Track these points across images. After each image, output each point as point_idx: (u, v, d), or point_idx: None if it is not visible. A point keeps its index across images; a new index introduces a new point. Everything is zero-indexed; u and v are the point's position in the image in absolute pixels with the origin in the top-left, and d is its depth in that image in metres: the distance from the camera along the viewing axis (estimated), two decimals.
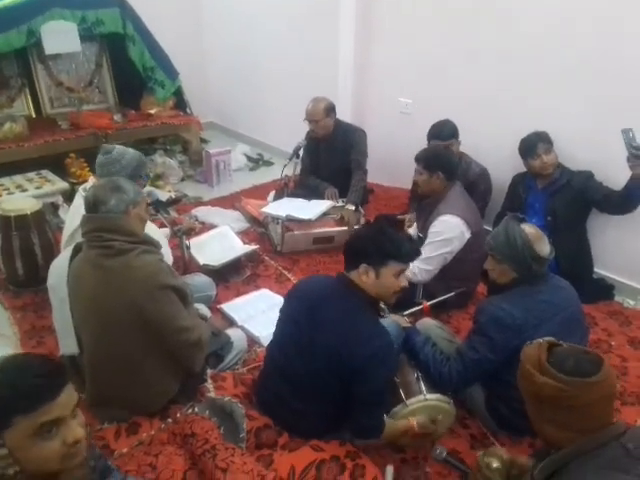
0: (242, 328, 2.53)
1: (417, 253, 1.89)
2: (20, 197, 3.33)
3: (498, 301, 1.87)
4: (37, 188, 3.57)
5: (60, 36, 3.86)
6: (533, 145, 2.86)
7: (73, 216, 2.32)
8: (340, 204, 3.45)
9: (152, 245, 1.91)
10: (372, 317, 1.78)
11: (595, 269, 3.02)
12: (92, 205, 1.83)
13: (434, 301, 2.48)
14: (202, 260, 2.95)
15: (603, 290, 2.96)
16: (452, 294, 2.54)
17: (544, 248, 1.85)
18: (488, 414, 2.01)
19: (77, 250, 1.96)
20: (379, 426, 1.75)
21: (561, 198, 2.85)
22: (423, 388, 1.92)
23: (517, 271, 1.87)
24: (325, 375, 1.72)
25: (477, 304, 2.43)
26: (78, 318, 1.94)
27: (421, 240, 2.65)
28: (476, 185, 3.13)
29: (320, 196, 3.54)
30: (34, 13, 3.70)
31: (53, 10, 3.78)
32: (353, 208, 3.38)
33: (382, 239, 1.74)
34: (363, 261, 1.73)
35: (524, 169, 3.02)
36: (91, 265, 1.82)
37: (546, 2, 2.94)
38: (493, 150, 3.32)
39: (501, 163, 3.26)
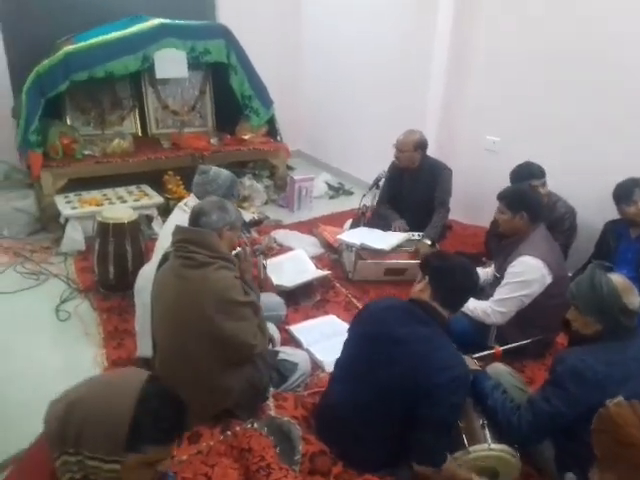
0: (307, 351, 2.55)
1: None
2: (119, 207, 3.62)
3: (579, 352, 1.76)
4: (135, 200, 3.87)
5: (170, 63, 4.20)
6: (629, 191, 2.71)
7: (169, 233, 2.38)
8: (416, 237, 3.42)
9: (231, 262, 2.01)
10: (452, 345, 1.77)
11: None
12: (196, 214, 2.01)
13: (508, 347, 2.37)
14: (276, 280, 3.03)
15: None
16: (528, 341, 2.41)
17: (634, 300, 1.71)
18: (557, 473, 1.86)
19: (165, 259, 2.11)
20: (441, 453, 1.69)
21: None
22: (488, 436, 1.83)
23: (602, 323, 1.75)
24: (394, 396, 1.70)
25: (555, 356, 2.30)
26: (156, 321, 2.07)
27: (498, 280, 2.55)
28: (561, 223, 3.02)
29: (389, 227, 3.55)
30: (150, 41, 4.06)
31: (167, 39, 4.14)
32: (429, 243, 3.34)
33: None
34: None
35: (615, 216, 2.84)
36: (174, 274, 1.96)
37: None
38: (583, 194, 3.17)
39: (592, 208, 3.10)
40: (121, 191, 4.04)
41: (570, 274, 2.78)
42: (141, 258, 3.10)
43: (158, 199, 3.96)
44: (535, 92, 3.47)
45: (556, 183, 3.14)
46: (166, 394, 1.13)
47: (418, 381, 1.65)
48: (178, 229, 2.01)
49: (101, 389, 1.12)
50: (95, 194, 3.94)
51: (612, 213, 2.87)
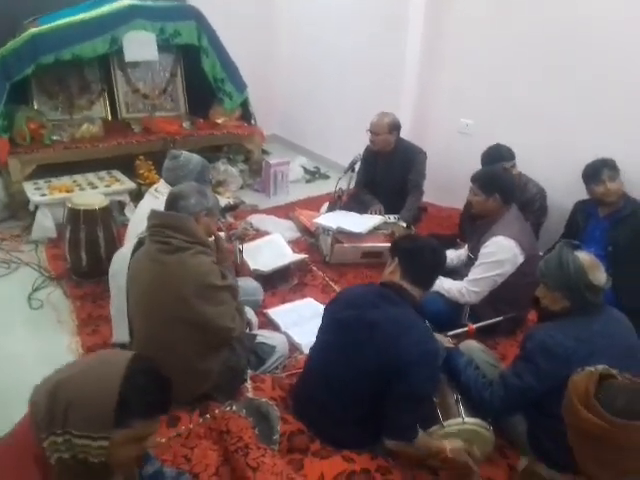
0: (285, 334, 2.56)
1: None
2: (90, 193, 3.55)
3: (548, 328, 1.81)
4: (107, 186, 3.80)
5: (140, 45, 4.09)
6: (598, 171, 2.77)
7: (141, 219, 2.36)
8: (392, 220, 3.44)
9: (208, 247, 2.00)
10: (422, 322, 1.82)
11: None
12: (174, 198, 1.99)
13: (480, 324, 2.42)
14: (253, 265, 3.03)
15: None
16: (500, 319, 2.47)
17: (599, 276, 1.76)
18: (529, 446, 1.93)
19: (140, 243, 2.10)
20: (412, 427, 1.73)
21: (624, 228, 2.73)
22: (462, 411, 1.88)
23: (570, 299, 1.80)
24: (368, 376, 1.73)
25: (526, 332, 2.37)
26: (132, 306, 2.05)
27: (472, 261, 2.60)
28: (531, 204, 3.09)
29: (365, 210, 3.57)
30: (118, 22, 3.95)
31: (136, 21, 4.02)
32: (405, 225, 3.37)
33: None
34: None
35: (585, 197, 2.92)
36: (150, 259, 1.94)
37: (615, 21, 2.86)
38: (554, 175, 3.23)
39: (562, 189, 3.17)
40: (92, 177, 3.95)
41: (541, 253, 2.85)
42: (114, 244, 3.05)
43: (130, 184, 3.89)
44: (506, 76, 3.51)
45: (527, 164, 3.20)
46: (152, 370, 1.15)
47: (391, 360, 1.68)
48: (154, 213, 1.98)
49: (87, 368, 1.13)
50: (65, 180, 3.86)
51: (582, 193, 2.94)
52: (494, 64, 3.59)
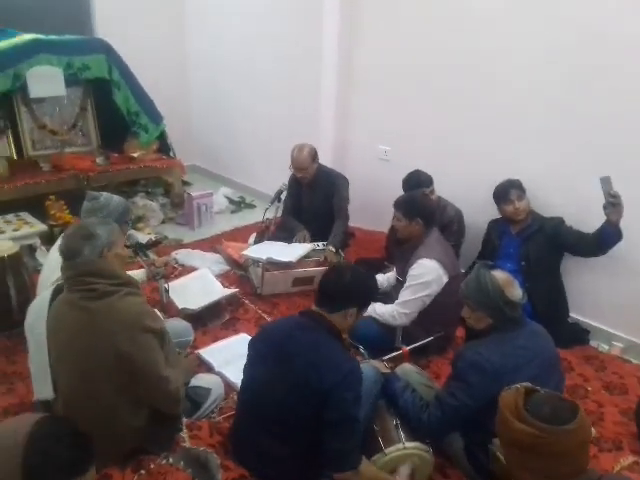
0: (219, 374, 2.49)
1: None
2: None
3: (475, 347, 1.89)
4: (15, 230, 3.55)
5: (45, 81, 3.91)
6: (506, 191, 2.98)
7: (55, 265, 2.17)
8: (320, 247, 3.48)
9: (135, 287, 1.90)
10: (339, 346, 1.83)
11: (570, 313, 3.07)
12: (67, 256, 1.82)
13: (413, 346, 2.48)
14: (180, 304, 2.93)
15: (578, 334, 3.01)
16: (431, 338, 2.54)
17: (515, 293, 1.88)
18: (467, 462, 1.99)
19: (58, 291, 1.95)
20: (353, 454, 1.72)
21: (534, 243, 2.94)
22: (402, 436, 1.91)
23: (492, 317, 1.90)
24: (298, 409, 1.72)
25: (456, 349, 2.46)
26: (55, 359, 1.89)
27: (400, 284, 2.68)
28: (450, 225, 3.25)
29: (292, 238, 3.59)
30: (21, 58, 3.75)
31: (40, 55, 3.84)
32: (334, 250, 3.42)
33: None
34: (355, 305, 1.86)
35: (498, 216, 3.11)
36: (73, 307, 1.80)
37: (517, 53, 3.09)
38: (469, 197, 3.42)
39: (476, 209, 3.35)
40: None
41: (463, 271, 3.00)
42: (26, 293, 2.83)
43: (41, 227, 3.65)
44: (419, 102, 3.69)
45: (443, 187, 3.36)
46: (60, 431, 1.06)
47: (314, 389, 1.69)
48: (65, 265, 1.84)
49: None
50: None
51: (494, 212, 3.14)
52: (402, 92, 3.77)
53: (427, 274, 2.55)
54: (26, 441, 1.00)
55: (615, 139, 2.78)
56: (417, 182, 3.21)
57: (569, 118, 2.93)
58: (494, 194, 3.05)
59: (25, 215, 3.79)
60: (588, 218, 2.79)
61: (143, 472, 1.85)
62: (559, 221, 2.93)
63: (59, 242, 2.43)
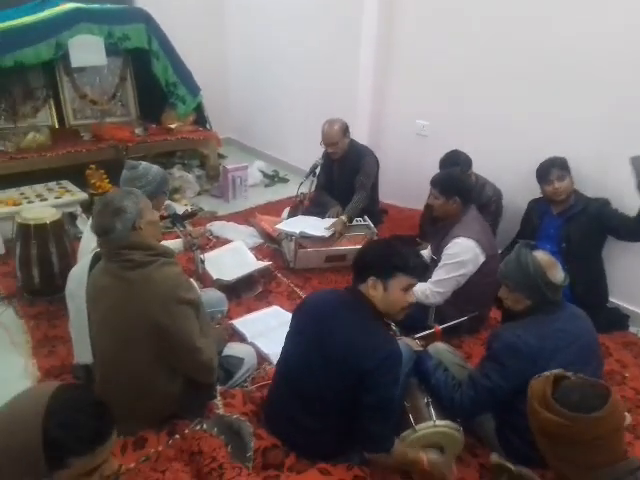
0: (252, 345, 2.52)
1: (425, 267, 1.89)
2: (40, 206, 3.39)
3: (513, 328, 1.85)
4: (57, 198, 3.64)
5: (87, 50, 3.95)
6: (546, 171, 2.87)
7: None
8: (354, 223, 3.46)
9: (171, 256, 1.92)
10: (380, 327, 1.80)
11: (610, 298, 2.98)
12: (100, 233, 1.84)
13: (446, 325, 2.45)
14: (215, 275, 2.97)
15: (617, 320, 2.92)
16: (465, 318, 2.51)
17: (557, 275, 1.82)
18: (498, 444, 1.97)
19: (97, 259, 1.98)
20: (389, 437, 1.74)
21: (576, 225, 2.84)
22: (433, 414, 1.90)
23: (531, 299, 1.86)
24: (334, 387, 1.72)
25: (490, 330, 2.42)
26: (95, 326, 1.95)
27: (434, 262, 2.64)
28: (488, 206, 3.16)
29: (325, 213, 3.57)
30: (63, 27, 3.79)
31: (81, 25, 3.87)
32: (345, 220, 3.38)
33: (390, 252, 1.79)
34: (372, 273, 1.76)
35: (539, 195, 3.01)
36: (112, 276, 1.83)
37: (565, 25, 2.96)
38: (510, 175, 3.32)
39: (517, 188, 3.26)
40: (40, 188, 3.77)
41: (499, 251, 2.93)
42: (67, 259, 2.92)
43: (81, 195, 3.74)
44: (460, 77, 3.58)
45: (482, 165, 3.27)
46: (76, 401, 1.07)
47: (352, 368, 1.68)
48: (101, 241, 1.86)
49: (6, 414, 1.04)
50: (12, 193, 3.66)
51: (537, 191, 3.02)
52: (446, 65, 3.65)
53: (463, 253, 2.50)
54: (45, 411, 1.00)
55: None
56: (455, 163, 3.12)
57: (620, 95, 2.78)
58: (536, 173, 2.94)
59: (66, 183, 3.88)
60: (637, 201, 2.66)
61: (177, 437, 1.91)
62: (604, 202, 2.82)
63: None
